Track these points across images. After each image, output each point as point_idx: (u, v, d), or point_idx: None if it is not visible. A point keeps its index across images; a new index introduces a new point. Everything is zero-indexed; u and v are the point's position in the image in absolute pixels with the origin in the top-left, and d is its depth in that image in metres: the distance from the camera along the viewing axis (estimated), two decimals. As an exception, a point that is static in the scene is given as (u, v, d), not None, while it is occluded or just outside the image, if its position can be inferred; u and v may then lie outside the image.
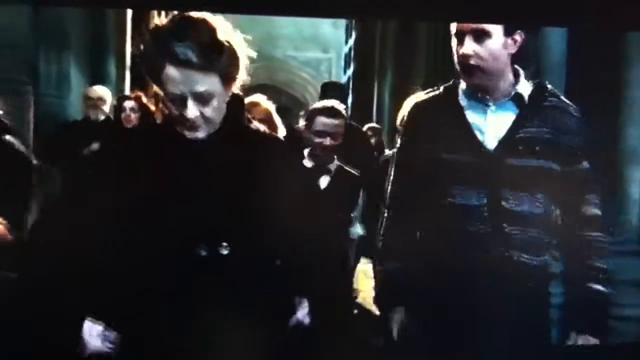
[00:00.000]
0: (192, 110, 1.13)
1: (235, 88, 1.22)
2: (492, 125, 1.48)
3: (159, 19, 1.15)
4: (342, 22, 9.48)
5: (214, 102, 1.16)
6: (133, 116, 3.32)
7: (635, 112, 2.54)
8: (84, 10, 4.68)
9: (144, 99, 3.40)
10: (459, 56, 1.45)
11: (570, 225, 1.55)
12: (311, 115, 2.35)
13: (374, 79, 6.69)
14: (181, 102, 1.13)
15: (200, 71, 1.10)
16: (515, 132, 1.46)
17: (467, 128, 1.48)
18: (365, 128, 4.45)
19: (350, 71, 7.84)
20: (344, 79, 8.62)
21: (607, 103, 2.56)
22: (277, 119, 2.64)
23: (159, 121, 3.48)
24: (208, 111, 1.16)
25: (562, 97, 1.51)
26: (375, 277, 2.00)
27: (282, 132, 2.66)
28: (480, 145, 1.47)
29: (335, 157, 2.37)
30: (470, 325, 1.45)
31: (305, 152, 2.36)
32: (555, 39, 2.69)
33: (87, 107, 3.72)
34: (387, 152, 5.16)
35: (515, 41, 1.43)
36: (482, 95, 1.47)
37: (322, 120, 2.28)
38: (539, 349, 1.56)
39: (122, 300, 1.23)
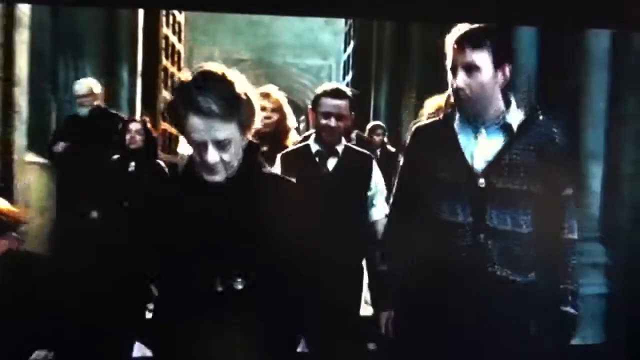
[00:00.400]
0: (212, 155, 1.21)
1: (251, 135, 1.31)
2: (481, 150, 1.57)
3: (183, 75, 1.27)
4: (341, 30, 9.71)
5: (232, 148, 1.24)
6: (138, 138, 3.55)
7: (593, 116, 2.88)
8: (98, 20, 4.92)
9: (149, 123, 3.69)
10: (453, 88, 1.57)
11: (549, 247, 1.60)
12: (317, 98, 2.30)
13: (370, 84, 6.97)
14: (203, 147, 1.21)
15: (221, 120, 1.19)
16: (503, 157, 1.55)
17: (459, 151, 1.58)
18: (369, 126, 4.61)
19: (348, 77, 8.10)
20: (343, 84, 8.88)
21: (570, 107, 2.89)
22: (288, 109, 2.68)
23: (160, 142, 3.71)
24: (226, 156, 1.23)
25: (553, 127, 1.60)
26: (369, 277, 2.16)
27: (292, 122, 2.70)
28: (469, 167, 1.57)
29: (342, 138, 2.31)
30: (453, 329, 1.55)
31: (312, 136, 2.32)
32: (527, 44, 3.02)
33: (77, 105, 3.92)
34: (390, 148, 5.31)
35: (504, 73, 1.56)
36: (473, 122, 1.58)
37: (327, 102, 2.24)
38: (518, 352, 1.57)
39: (150, 328, 1.36)
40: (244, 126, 1.26)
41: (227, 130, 1.21)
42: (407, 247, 1.67)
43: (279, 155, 2.33)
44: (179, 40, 7.00)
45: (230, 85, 1.22)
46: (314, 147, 2.25)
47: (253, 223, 1.29)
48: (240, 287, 1.28)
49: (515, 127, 1.57)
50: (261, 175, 1.38)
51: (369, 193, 2.28)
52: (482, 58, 1.53)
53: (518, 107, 1.60)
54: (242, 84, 1.25)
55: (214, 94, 1.18)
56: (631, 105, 2.97)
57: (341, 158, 2.25)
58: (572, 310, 1.57)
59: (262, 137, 2.29)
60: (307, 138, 2.40)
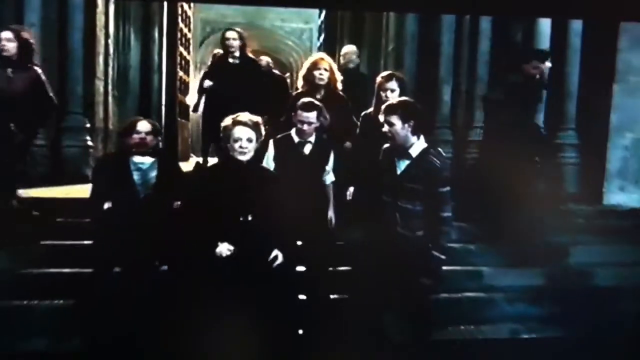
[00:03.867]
0: (245, 144, 2.60)
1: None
2: (400, 166, 2.77)
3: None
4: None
5: (253, 144, 2.64)
6: (9, 46, 3.55)
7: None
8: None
9: (23, 33, 3.66)
10: (384, 133, 2.76)
11: (432, 220, 2.71)
12: (295, 109, 3.20)
13: (336, 44, 8.95)
14: (240, 140, 2.60)
15: (251, 129, 2.63)
16: (408, 171, 2.73)
17: (393, 166, 2.78)
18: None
19: (322, 38, 10.05)
20: (317, 44, 10.77)
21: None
22: (335, 68, 3.78)
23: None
24: (250, 147, 2.62)
25: (436, 154, 2.72)
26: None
27: (339, 76, 3.76)
28: (395, 174, 2.77)
29: (313, 132, 3.19)
30: (378, 259, 2.71)
31: (293, 130, 3.24)
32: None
33: None
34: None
35: (410, 125, 2.72)
36: (396, 151, 2.79)
37: (301, 113, 3.13)
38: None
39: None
40: (257, 139, 2.68)
41: (252, 134, 2.63)
42: (367, 215, 2.92)
43: (271, 141, 3.21)
44: (189, 7, 8.96)
45: (256, 122, 2.69)
46: (296, 139, 3.24)
47: (256, 184, 2.59)
48: (250, 218, 2.57)
49: (414, 155, 2.75)
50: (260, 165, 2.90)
51: (327, 168, 3.30)
52: (394, 119, 2.74)
53: (425, 141, 2.76)
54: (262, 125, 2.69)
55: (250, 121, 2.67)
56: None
57: (313, 146, 3.23)
58: (441, 255, 2.71)
59: (321, 86, 3.70)
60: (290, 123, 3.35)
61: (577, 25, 4.78)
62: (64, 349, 2.88)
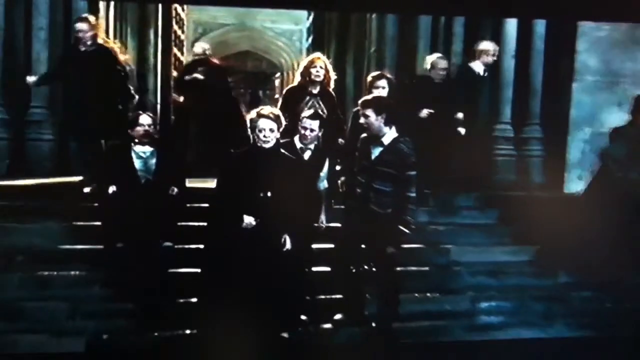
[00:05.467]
0: (267, 133, 3.03)
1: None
2: (374, 152, 3.12)
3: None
4: None
5: (275, 133, 3.06)
6: None
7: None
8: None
9: None
10: (361, 124, 3.19)
11: (399, 200, 3.07)
12: (302, 118, 3.49)
13: (324, 45, 9.29)
14: (264, 130, 3.02)
15: (273, 121, 3.07)
16: (380, 156, 3.09)
17: (369, 152, 3.14)
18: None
19: (310, 39, 10.42)
20: (306, 45, 11.14)
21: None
22: (330, 67, 4.07)
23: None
24: (272, 136, 3.04)
25: (405, 142, 3.07)
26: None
27: (332, 75, 4.04)
28: (370, 159, 3.13)
29: (314, 140, 3.48)
30: (351, 230, 3.23)
31: (297, 137, 3.52)
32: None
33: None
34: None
35: (383, 117, 3.08)
36: (372, 139, 3.16)
37: (306, 120, 3.45)
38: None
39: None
40: (278, 128, 3.07)
41: (274, 126, 3.04)
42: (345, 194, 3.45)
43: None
44: (182, 9, 9.26)
45: (277, 115, 3.10)
46: (298, 144, 3.52)
47: (278, 166, 3.01)
48: (269, 194, 3.04)
49: (385, 143, 3.13)
50: (280, 149, 3.21)
51: (321, 174, 3.55)
52: (369, 111, 3.11)
53: (396, 131, 3.13)
54: (282, 117, 3.12)
55: (271, 113, 3.08)
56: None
57: (312, 152, 3.52)
58: (406, 230, 3.09)
59: (317, 82, 4.01)
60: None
61: (540, 29, 5.23)
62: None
